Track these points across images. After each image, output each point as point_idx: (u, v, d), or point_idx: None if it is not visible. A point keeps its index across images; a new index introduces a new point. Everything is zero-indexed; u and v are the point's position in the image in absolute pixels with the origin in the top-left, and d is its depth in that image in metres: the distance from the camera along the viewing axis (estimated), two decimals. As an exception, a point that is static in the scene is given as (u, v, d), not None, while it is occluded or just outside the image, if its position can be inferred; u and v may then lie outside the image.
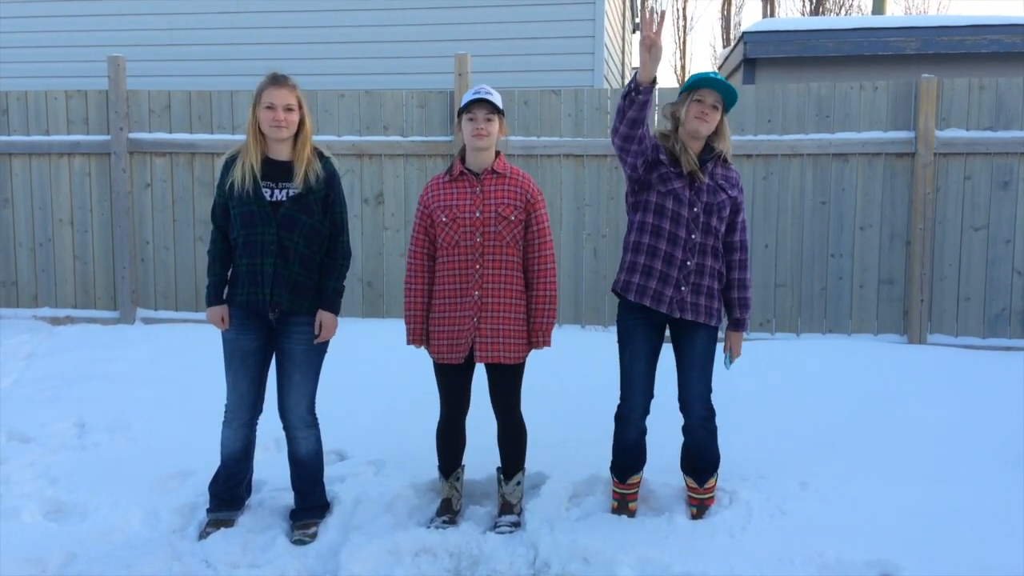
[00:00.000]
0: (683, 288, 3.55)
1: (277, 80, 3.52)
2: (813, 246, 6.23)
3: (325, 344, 3.70)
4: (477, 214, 3.59)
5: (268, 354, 3.70)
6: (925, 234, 6.05)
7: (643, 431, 3.72)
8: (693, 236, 3.53)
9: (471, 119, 3.57)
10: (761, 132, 6.21)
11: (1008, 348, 5.94)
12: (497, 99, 3.58)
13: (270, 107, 3.48)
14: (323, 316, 3.62)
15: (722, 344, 3.74)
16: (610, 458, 3.79)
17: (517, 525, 3.69)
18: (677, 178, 3.52)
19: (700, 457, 3.71)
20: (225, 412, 3.71)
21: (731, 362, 3.74)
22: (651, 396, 3.69)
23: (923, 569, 3.24)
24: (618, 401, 3.72)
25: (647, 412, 3.70)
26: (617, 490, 3.79)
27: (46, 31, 9.08)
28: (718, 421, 3.71)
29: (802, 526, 3.58)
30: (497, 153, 3.69)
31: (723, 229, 3.60)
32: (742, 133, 6.17)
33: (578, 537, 3.50)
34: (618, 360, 3.69)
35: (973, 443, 4.43)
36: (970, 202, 6.06)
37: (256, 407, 3.72)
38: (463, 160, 3.70)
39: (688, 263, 3.54)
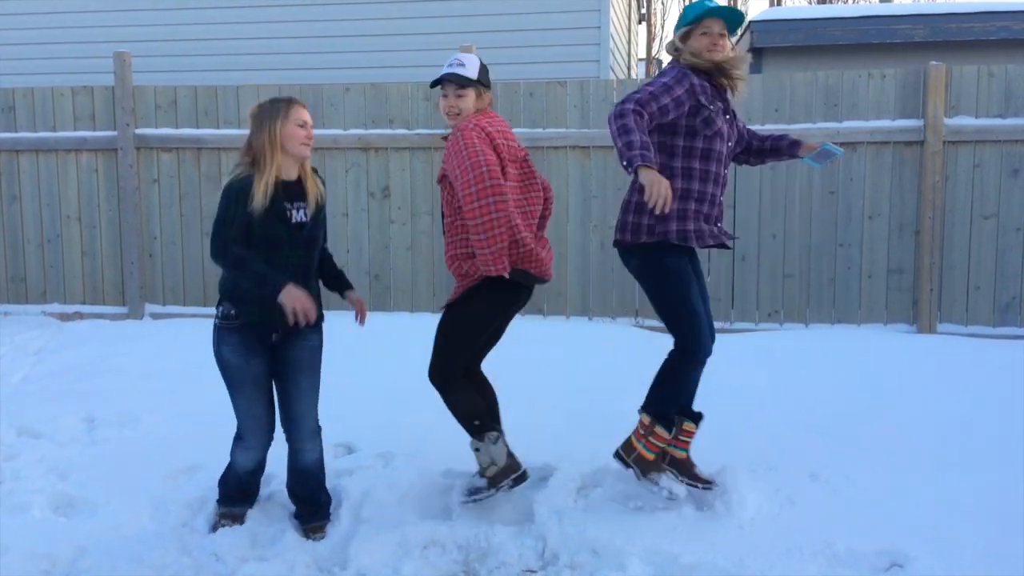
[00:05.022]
0: (719, 224, 3.56)
1: (300, 101, 3.48)
2: (821, 236, 6.20)
3: (322, 346, 3.64)
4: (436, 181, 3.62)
5: (270, 374, 3.61)
6: (934, 223, 6.01)
7: None
8: (725, 171, 3.54)
9: (444, 96, 3.51)
10: (768, 121, 6.18)
11: (1018, 337, 5.90)
12: (469, 70, 3.44)
13: (302, 125, 3.42)
14: (357, 297, 3.74)
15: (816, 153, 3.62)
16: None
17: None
18: (720, 115, 3.45)
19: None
20: (240, 437, 3.58)
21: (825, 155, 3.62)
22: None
23: (933, 559, 3.23)
24: (678, 347, 3.52)
25: None
26: (660, 443, 3.57)
27: (51, 27, 9.10)
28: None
29: (811, 517, 3.56)
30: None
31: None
32: (749, 122, 6.14)
33: (587, 528, 3.50)
34: (669, 302, 3.49)
35: (983, 432, 4.41)
36: (979, 190, 6.02)
37: (272, 428, 3.64)
38: None
39: (719, 198, 3.54)
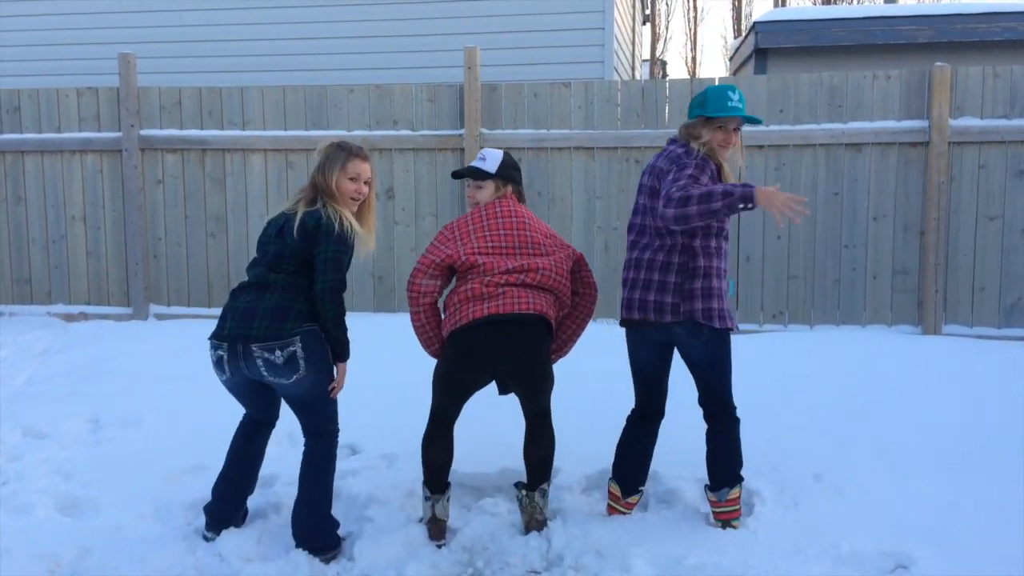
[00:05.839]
0: None
1: (363, 154, 3.55)
2: (826, 237, 6.19)
3: None
4: None
5: None
6: (939, 224, 6.00)
7: None
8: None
9: (467, 185, 3.81)
10: (773, 122, 6.17)
11: (1023, 339, 5.89)
12: (488, 165, 3.69)
13: (354, 178, 3.50)
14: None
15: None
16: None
17: None
18: None
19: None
20: (336, 439, 3.63)
21: None
22: None
23: (938, 560, 3.22)
24: (733, 405, 3.61)
25: None
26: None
27: (57, 29, 9.12)
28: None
29: (816, 518, 3.56)
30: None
31: None
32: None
33: (591, 530, 3.50)
34: (726, 372, 3.56)
35: (988, 434, 4.40)
36: (985, 191, 6.01)
37: None
38: None
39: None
